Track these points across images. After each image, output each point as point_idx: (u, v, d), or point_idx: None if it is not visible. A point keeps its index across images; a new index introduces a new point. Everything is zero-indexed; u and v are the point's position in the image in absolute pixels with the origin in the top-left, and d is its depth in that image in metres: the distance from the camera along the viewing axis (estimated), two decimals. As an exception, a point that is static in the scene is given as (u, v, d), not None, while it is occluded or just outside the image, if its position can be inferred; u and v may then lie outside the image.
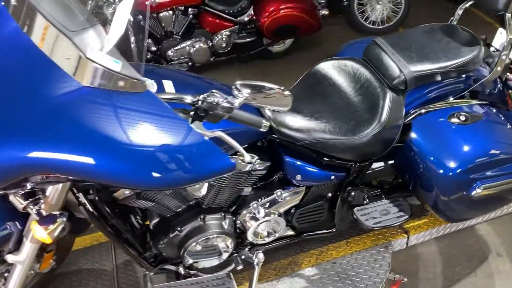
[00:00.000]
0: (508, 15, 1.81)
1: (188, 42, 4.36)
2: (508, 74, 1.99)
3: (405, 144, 1.83)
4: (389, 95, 1.79)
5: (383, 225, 1.95)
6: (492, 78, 1.90)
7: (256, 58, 4.75)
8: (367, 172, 1.97)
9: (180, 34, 4.42)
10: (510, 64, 1.99)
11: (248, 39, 4.51)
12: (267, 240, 1.95)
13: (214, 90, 1.34)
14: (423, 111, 1.86)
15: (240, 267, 1.90)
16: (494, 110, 1.91)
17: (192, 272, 1.91)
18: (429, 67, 1.79)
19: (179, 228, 1.78)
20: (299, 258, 2.23)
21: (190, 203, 1.82)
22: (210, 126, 1.42)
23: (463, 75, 1.90)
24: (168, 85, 1.58)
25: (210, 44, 4.42)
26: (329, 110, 1.84)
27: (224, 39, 4.44)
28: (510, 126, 1.88)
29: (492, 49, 2.07)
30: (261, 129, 1.47)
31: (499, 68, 1.88)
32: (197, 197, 1.69)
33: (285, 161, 1.81)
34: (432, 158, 1.74)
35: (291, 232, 2.04)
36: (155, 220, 1.85)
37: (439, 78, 1.84)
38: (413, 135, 1.80)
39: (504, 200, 1.97)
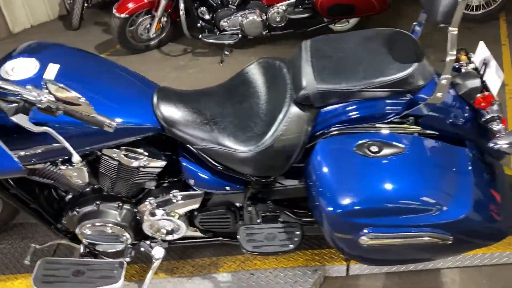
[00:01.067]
0: (451, 29, 1.40)
1: (242, 13, 4.28)
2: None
3: (304, 166, 1.60)
4: (289, 109, 1.55)
5: (260, 251, 1.75)
6: (433, 102, 1.53)
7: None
8: (277, 189, 1.77)
9: (235, 4, 4.35)
10: (482, 88, 1.58)
11: (304, 15, 4.26)
12: (170, 237, 1.90)
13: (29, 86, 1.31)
14: (335, 132, 1.59)
15: (127, 259, 1.89)
16: (436, 145, 1.54)
17: (96, 253, 1.97)
18: (337, 84, 1.50)
19: (77, 209, 1.84)
20: (223, 260, 2.14)
21: (95, 186, 1.86)
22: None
23: (404, 96, 1.56)
24: (52, 69, 1.58)
25: (264, 17, 4.28)
26: (235, 116, 1.68)
27: (279, 12, 4.26)
28: (450, 169, 1.51)
29: (472, 65, 1.66)
30: (106, 130, 1.41)
31: (438, 94, 1.50)
32: (78, 184, 1.71)
33: (180, 163, 1.73)
34: (321, 189, 1.49)
35: (200, 234, 1.96)
36: (68, 196, 1.93)
37: (356, 97, 1.54)
38: (312, 158, 1.56)
39: (406, 256, 1.62)
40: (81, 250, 1.94)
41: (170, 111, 1.64)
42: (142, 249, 1.94)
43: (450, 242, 1.48)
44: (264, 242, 1.76)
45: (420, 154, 1.51)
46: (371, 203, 1.44)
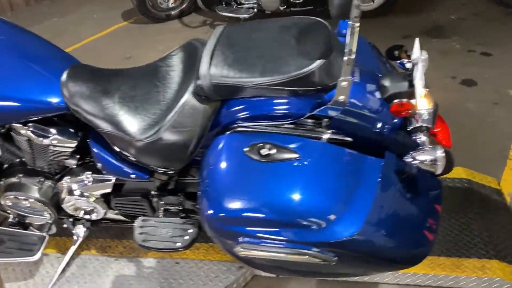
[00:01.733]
0: (350, 23, 1.20)
1: (259, -14, 4.11)
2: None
3: (200, 161, 1.48)
4: (186, 100, 1.43)
5: (148, 245, 1.66)
6: (336, 105, 1.34)
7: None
8: (184, 182, 1.68)
9: (253, -24, 4.17)
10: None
11: (325, -10, 3.99)
12: (89, 218, 1.89)
13: None
14: (238, 128, 1.45)
15: (45, 234, 1.90)
16: (340, 153, 1.36)
17: (25, 224, 2.00)
18: (231, 78, 1.35)
19: (3, 178, 1.87)
20: (154, 245, 2.10)
21: (23, 159, 1.87)
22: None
23: (312, 96, 1.39)
24: None
25: (283, -10, 4.08)
26: (142, 101, 1.57)
27: (298, -14, 4.04)
28: (349, 183, 1.32)
29: (410, 65, 1.44)
30: None
31: (340, 98, 1.31)
32: None
33: (89, 145, 1.68)
34: (205, 189, 1.38)
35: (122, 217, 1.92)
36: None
37: (252, 93, 1.38)
38: (205, 154, 1.44)
39: (294, 268, 1.46)
40: (10, 219, 1.98)
41: (76, 90, 1.58)
42: (65, 225, 1.94)
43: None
44: (154, 237, 1.67)
45: (316, 162, 1.34)
46: (247, 211, 1.31)
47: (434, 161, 1.24)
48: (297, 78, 1.31)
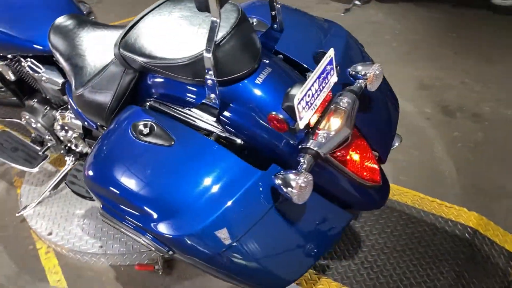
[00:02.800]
0: (211, 19, 1.06)
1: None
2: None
3: None
4: (110, 64, 1.48)
5: (73, 189, 1.80)
6: (209, 102, 1.24)
7: (468, 6, 3.61)
8: None
9: None
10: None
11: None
12: (77, 150, 2.13)
13: None
14: (150, 103, 1.45)
15: (47, 153, 2.21)
16: (217, 153, 1.26)
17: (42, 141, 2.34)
18: (130, 52, 1.32)
19: (29, 100, 2.22)
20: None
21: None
22: None
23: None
24: None
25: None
26: (89, 60, 1.66)
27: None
28: (209, 184, 1.23)
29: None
30: None
31: (211, 96, 1.19)
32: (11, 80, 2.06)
33: None
34: (92, 153, 1.43)
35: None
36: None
37: (150, 71, 1.35)
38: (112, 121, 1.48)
39: None
40: (32, 135, 2.34)
41: (55, 38, 1.76)
42: (62, 152, 2.22)
43: (168, 257, 1.29)
44: (80, 182, 1.84)
45: (184, 155, 1.27)
46: (108, 182, 1.33)
47: (289, 187, 1.09)
48: (174, 65, 1.25)
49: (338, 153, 1.27)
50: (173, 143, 1.27)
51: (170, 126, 1.32)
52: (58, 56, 1.73)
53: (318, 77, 1.15)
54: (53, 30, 1.77)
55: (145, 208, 1.25)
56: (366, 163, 1.29)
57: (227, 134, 1.32)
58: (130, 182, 1.28)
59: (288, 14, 1.50)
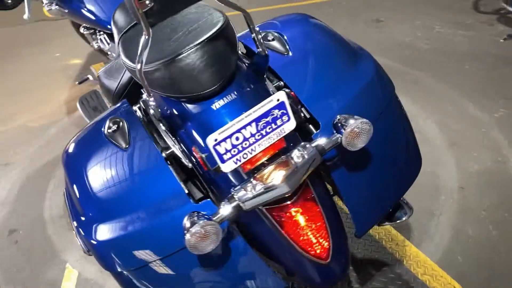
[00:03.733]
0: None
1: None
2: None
3: None
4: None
5: None
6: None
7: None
8: None
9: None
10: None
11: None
12: None
13: None
14: (141, 101, 1.40)
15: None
16: (154, 169, 1.15)
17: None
18: (124, 51, 1.29)
19: None
20: None
21: None
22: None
23: None
24: None
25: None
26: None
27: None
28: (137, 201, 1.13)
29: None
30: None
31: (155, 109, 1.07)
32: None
33: None
34: (75, 137, 1.42)
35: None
36: None
37: None
38: None
39: None
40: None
41: (114, 19, 1.83)
42: None
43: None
44: None
45: (130, 162, 1.19)
46: (70, 164, 1.29)
47: (186, 231, 0.95)
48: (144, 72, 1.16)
49: (281, 211, 1.05)
50: (127, 147, 1.21)
51: (134, 129, 1.25)
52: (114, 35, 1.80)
53: (256, 121, 0.95)
54: (115, 13, 1.84)
55: (79, 199, 1.22)
56: (313, 233, 1.05)
57: (182, 154, 1.20)
58: (81, 172, 1.25)
59: (309, 34, 1.28)
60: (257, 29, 1.07)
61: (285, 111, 0.96)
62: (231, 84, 1.09)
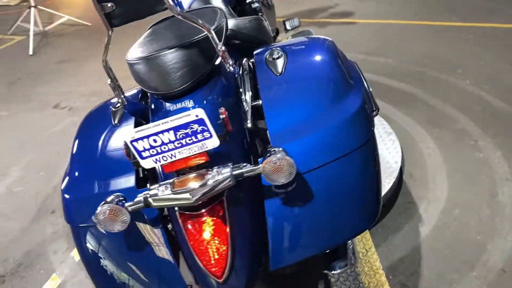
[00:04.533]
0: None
1: None
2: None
3: None
4: None
5: None
6: None
7: None
8: None
9: None
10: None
11: None
12: None
13: None
14: None
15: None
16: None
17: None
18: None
19: None
20: None
21: None
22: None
23: None
24: None
25: None
26: None
27: None
28: None
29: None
30: None
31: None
32: None
33: None
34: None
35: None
36: None
37: None
38: None
39: None
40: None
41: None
42: None
43: None
44: None
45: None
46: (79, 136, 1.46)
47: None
48: None
49: (189, 219, 1.07)
50: (116, 123, 1.34)
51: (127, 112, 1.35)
52: None
53: (174, 129, 0.98)
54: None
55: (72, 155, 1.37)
56: (212, 249, 1.05)
57: None
58: (81, 135, 1.41)
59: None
60: (223, 48, 1.10)
61: (205, 128, 0.97)
62: (194, 92, 1.14)
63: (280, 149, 0.99)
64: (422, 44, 3.73)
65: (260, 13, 2.17)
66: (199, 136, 0.98)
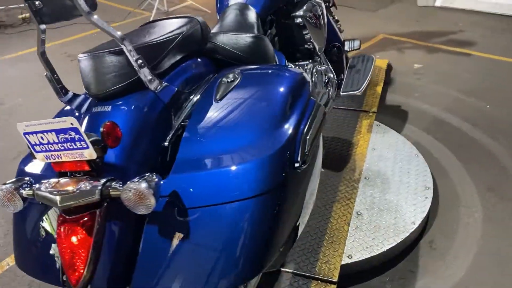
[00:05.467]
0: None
1: None
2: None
3: None
4: None
5: None
6: None
7: None
8: None
9: None
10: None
11: None
12: None
13: None
14: None
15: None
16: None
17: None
18: None
19: None
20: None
21: None
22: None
23: None
24: None
25: None
26: None
27: None
28: None
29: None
30: None
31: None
32: None
33: None
34: None
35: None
36: None
37: None
38: None
39: None
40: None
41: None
42: None
43: None
44: None
45: None
46: None
47: None
48: None
49: (63, 222, 1.07)
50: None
51: None
52: None
53: (56, 132, 0.99)
54: None
55: None
56: (73, 256, 1.05)
57: None
58: None
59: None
60: (140, 62, 1.08)
61: (81, 137, 0.96)
62: (118, 99, 1.14)
63: (153, 177, 0.94)
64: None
65: (304, 30, 2.06)
66: (78, 144, 0.98)
